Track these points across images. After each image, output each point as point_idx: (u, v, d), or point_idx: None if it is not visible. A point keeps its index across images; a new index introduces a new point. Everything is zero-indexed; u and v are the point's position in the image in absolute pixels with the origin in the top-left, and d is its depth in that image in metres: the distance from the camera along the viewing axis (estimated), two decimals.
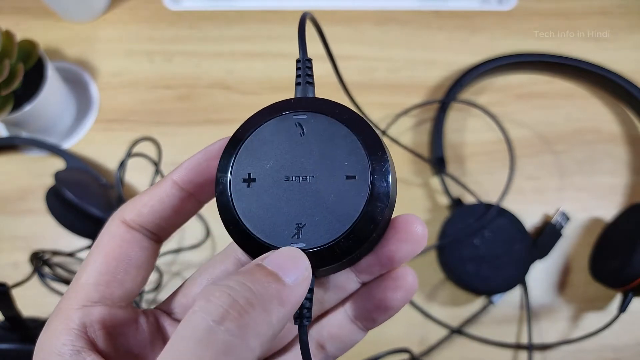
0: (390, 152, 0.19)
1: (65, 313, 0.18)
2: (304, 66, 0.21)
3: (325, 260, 0.18)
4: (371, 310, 0.20)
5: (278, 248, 0.18)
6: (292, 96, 0.20)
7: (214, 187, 0.19)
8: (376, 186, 0.18)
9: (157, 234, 0.21)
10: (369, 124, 0.19)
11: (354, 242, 0.18)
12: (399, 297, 0.20)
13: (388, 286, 0.20)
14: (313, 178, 0.19)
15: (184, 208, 0.21)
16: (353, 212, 0.18)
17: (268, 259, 0.17)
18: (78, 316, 0.18)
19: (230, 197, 0.19)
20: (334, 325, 0.21)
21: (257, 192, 0.19)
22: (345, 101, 0.23)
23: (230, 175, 0.19)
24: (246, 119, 0.20)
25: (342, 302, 0.22)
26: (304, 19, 0.22)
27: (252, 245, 0.18)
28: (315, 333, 0.22)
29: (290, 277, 0.16)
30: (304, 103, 0.20)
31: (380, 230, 0.19)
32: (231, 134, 0.20)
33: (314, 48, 0.25)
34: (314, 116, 0.19)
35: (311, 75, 0.21)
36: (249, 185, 0.19)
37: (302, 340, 0.18)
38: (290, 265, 0.17)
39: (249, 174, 0.19)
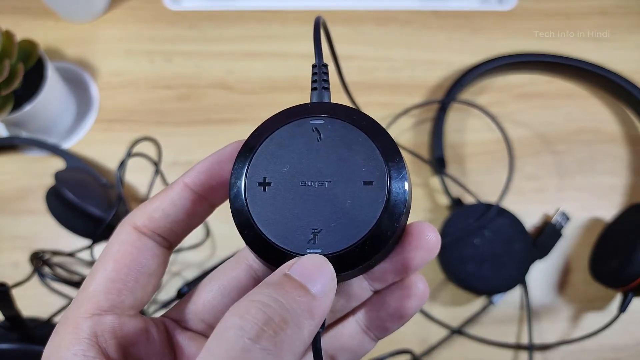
0: None
1: (74, 322, 0.18)
2: (320, 71, 0.21)
3: (340, 267, 0.18)
4: (385, 319, 0.20)
5: (293, 253, 0.18)
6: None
7: (228, 190, 0.19)
8: (393, 193, 0.18)
9: (169, 239, 0.20)
10: (386, 130, 0.19)
11: (370, 249, 0.18)
12: (412, 305, 0.20)
13: (402, 294, 0.20)
14: (330, 183, 0.18)
15: (196, 211, 0.20)
16: (370, 219, 0.18)
17: (294, 268, 0.17)
18: (88, 325, 0.18)
19: (245, 201, 0.19)
20: (345, 335, 0.21)
21: (272, 197, 0.18)
22: (345, 101, 0.23)
23: (246, 178, 0.19)
24: (261, 122, 0.20)
25: (353, 311, 0.21)
26: (318, 23, 0.22)
27: (267, 250, 0.18)
28: (326, 345, 0.21)
29: (317, 286, 0.16)
30: (321, 108, 0.20)
31: (396, 238, 0.18)
32: (236, 136, 0.20)
33: (323, 46, 0.25)
34: (331, 121, 0.19)
35: (327, 81, 0.21)
36: (264, 190, 0.19)
37: (316, 348, 0.18)
38: (317, 274, 0.16)
39: (265, 178, 0.19)
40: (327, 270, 0.17)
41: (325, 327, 0.22)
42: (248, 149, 0.19)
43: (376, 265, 0.19)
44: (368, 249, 0.18)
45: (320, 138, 0.19)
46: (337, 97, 0.22)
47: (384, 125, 0.19)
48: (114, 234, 0.20)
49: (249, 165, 0.19)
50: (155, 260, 0.20)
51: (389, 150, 0.19)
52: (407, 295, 0.20)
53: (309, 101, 0.21)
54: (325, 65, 0.21)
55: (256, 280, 0.22)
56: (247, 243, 0.19)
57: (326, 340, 0.21)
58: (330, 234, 0.18)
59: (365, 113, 0.19)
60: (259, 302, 0.15)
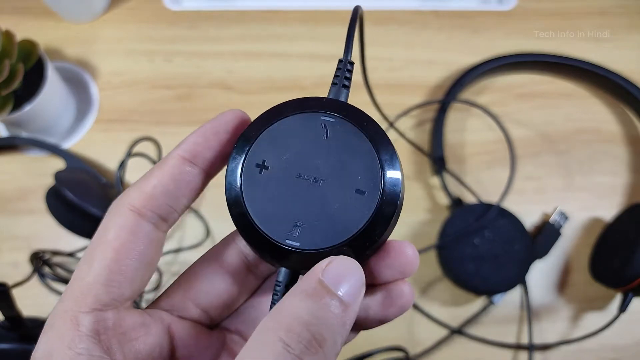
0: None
1: (74, 317, 0.17)
2: (344, 68, 0.21)
3: (311, 265, 0.18)
4: (363, 319, 0.20)
5: (272, 239, 0.18)
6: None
7: (228, 162, 0.19)
8: (382, 207, 0.18)
9: (167, 218, 0.19)
10: (392, 143, 0.19)
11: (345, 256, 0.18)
12: (391, 312, 0.20)
13: (383, 302, 0.20)
14: (324, 182, 0.18)
15: (196, 183, 0.20)
16: (352, 227, 0.18)
17: (327, 273, 0.17)
18: (89, 321, 0.17)
19: (240, 178, 0.19)
20: None
21: (267, 180, 0.19)
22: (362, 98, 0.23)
23: (246, 156, 0.19)
24: (276, 104, 0.20)
25: None
26: (356, 14, 0.21)
27: (249, 229, 0.19)
28: None
29: (349, 294, 0.17)
30: (335, 106, 0.20)
31: (373, 251, 0.19)
32: (238, 110, 0.20)
33: (322, 46, 0.24)
34: (342, 122, 0.19)
35: (349, 79, 0.21)
36: (260, 172, 0.19)
37: None
38: (349, 279, 0.17)
39: (264, 161, 0.19)
40: (359, 275, 0.17)
41: None
42: (255, 128, 0.19)
43: None
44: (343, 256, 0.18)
45: (327, 135, 0.19)
46: (359, 93, 0.22)
47: (384, 126, 0.19)
48: (109, 216, 0.19)
49: (252, 144, 0.19)
50: (152, 248, 0.19)
51: (390, 164, 0.19)
52: (387, 304, 0.20)
53: (325, 95, 0.21)
54: (352, 63, 0.21)
55: (247, 265, 0.22)
56: (232, 218, 0.19)
57: None
58: (311, 232, 0.18)
59: (377, 122, 0.19)
60: (301, 319, 0.16)
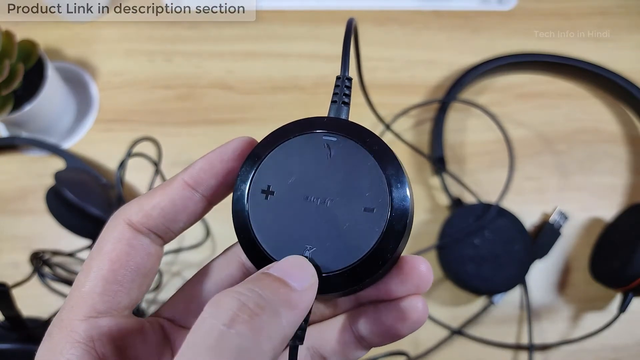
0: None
1: (68, 324, 0.17)
2: (343, 85, 0.20)
3: (326, 288, 0.18)
4: (377, 334, 0.20)
5: None
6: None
7: (233, 191, 0.19)
8: (392, 224, 0.18)
9: (164, 237, 0.20)
10: (397, 158, 0.19)
11: (358, 276, 0.18)
12: (406, 327, 0.19)
13: (397, 316, 0.19)
14: (332, 202, 0.18)
15: (196, 210, 0.20)
16: (364, 246, 0.18)
17: (274, 268, 0.17)
18: (84, 329, 0.17)
19: (246, 206, 0.19)
20: (339, 342, 0.21)
21: (273, 206, 0.19)
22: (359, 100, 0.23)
23: (251, 183, 0.19)
24: (275, 129, 0.20)
25: (348, 318, 0.21)
26: (350, 27, 0.21)
27: (259, 257, 0.18)
28: (318, 346, 0.21)
29: (296, 282, 0.16)
30: (337, 124, 0.19)
31: (386, 268, 0.18)
32: (237, 135, 0.20)
33: (322, 46, 0.24)
34: (344, 140, 0.19)
35: (349, 95, 0.20)
36: (266, 198, 0.19)
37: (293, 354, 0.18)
38: (297, 272, 0.17)
39: (269, 186, 0.19)
40: (307, 269, 0.17)
41: (317, 328, 0.22)
42: (258, 154, 0.19)
43: (362, 290, 0.19)
44: (356, 275, 0.18)
45: (330, 155, 0.19)
46: (355, 96, 0.22)
47: (381, 127, 0.19)
48: (107, 229, 0.19)
49: (256, 170, 0.19)
50: (150, 259, 0.19)
51: (397, 180, 0.18)
52: (402, 318, 0.19)
53: (325, 113, 0.20)
54: (350, 79, 0.21)
55: None
56: (241, 246, 0.19)
57: (319, 343, 0.21)
58: (323, 254, 0.18)
59: (380, 138, 0.19)
60: (234, 292, 0.15)
